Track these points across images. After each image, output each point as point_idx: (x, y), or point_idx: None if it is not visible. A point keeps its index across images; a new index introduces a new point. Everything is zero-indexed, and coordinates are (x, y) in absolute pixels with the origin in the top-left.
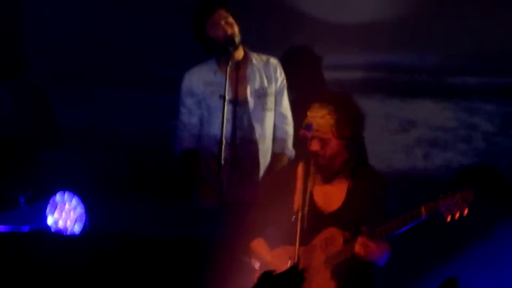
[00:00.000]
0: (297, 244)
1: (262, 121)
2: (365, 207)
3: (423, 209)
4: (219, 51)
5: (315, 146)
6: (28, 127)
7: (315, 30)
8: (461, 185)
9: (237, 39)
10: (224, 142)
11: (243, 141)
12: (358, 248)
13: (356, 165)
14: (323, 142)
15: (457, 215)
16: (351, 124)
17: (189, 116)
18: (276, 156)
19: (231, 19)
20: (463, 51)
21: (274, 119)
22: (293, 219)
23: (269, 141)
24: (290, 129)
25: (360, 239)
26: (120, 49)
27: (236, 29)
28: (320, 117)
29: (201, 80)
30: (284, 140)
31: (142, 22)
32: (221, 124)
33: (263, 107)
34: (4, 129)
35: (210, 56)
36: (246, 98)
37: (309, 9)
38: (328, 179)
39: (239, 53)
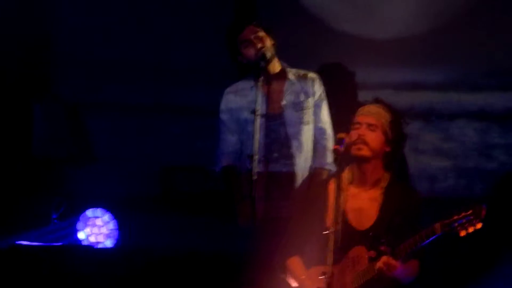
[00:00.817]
0: (330, 262)
1: (299, 135)
2: (396, 226)
3: (437, 226)
4: (253, 67)
5: (362, 130)
6: (60, 143)
7: (347, 45)
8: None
9: (269, 53)
10: (256, 157)
11: (280, 155)
12: (380, 266)
13: (391, 182)
14: (371, 128)
15: (470, 230)
16: (397, 134)
17: (228, 133)
18: (316, 170)
19: (261, 34)
20: (497, 66)
21: (313, 133)
22: (325, 237)
23: (307, 155)
24: (330, 143)
25: (383, 258)
26: (153, 66)
27: (267, 43)
28: (374, 107)
29: (238, 97)
30: (323, 155)
31: (177, 41)
32: (253, 139)
33: (300, 121)
34: (36, 146)
35: (246, 74)
36: (282, 112)
37: (340, 24)
38: (362, 184)
39: (275, 67)
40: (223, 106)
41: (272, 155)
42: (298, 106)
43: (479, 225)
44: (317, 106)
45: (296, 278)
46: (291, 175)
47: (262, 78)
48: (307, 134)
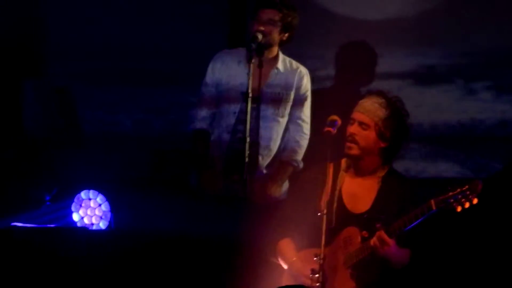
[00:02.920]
0: (323, 244)
1: (269, 127)
2: (392, 214)
3: (432, 202)
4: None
5: (353, 128)
6: (52, 126)
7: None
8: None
9: (265, 39)
10: (248, 139)
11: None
12: (375, 242)
13: (389, 171)
14: (362, 127)
15: (467, 205)
16: (395, 129)
17: (207, 96)
18: (282, 164)
19: (276, 19)
20: (493, 47)
21: (288, 128)
22: (318, 219)
23: (273, 148)
24: (303, 141)
25: (377, 233)
26: (143, 48)
27: (273, 30)
28: (370, 103)
29: (224, 65)
30: (293, 151)
31: (164, 20)
32: (245, 123)
33: (274, 113)
34: (28, 128)
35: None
36: (259, 100)
37: (335, 7)
38: (359, 174)
39: (270, 53)
40: (209, 69)
41: (237, 136)
42: (277, 98)
43: (475, 201)
44: (298, 102)
45: (286, 261)
46: (253, 162)
47: (253, 61)
48: (278, 127)
